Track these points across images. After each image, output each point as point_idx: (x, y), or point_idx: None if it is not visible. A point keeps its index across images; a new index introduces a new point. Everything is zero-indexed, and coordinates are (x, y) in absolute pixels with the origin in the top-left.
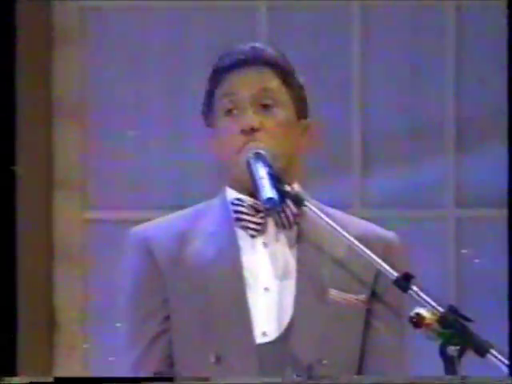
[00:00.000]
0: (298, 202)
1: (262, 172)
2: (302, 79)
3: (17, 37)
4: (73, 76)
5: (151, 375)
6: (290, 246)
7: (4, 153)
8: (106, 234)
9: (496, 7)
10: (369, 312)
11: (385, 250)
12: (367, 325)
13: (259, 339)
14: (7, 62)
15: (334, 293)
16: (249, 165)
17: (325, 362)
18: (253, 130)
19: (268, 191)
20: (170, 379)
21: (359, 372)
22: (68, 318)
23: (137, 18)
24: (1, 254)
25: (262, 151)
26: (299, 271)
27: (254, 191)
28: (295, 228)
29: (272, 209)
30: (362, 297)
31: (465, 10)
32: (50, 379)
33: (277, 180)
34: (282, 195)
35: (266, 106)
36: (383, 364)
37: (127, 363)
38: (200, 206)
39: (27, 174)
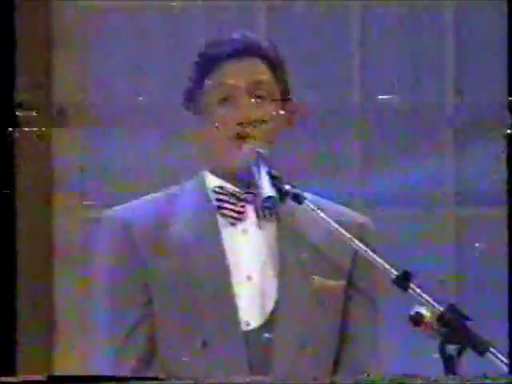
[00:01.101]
0: (299, 200)
1: (262, 171)
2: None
3: (16, 37)
4: (72, 76)
5: (134, 362)
6: (272, 234)
7: (3, 152)
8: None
9: (496, 7)
10: (346, 298)
11: (360, 233)
12: (344, 310)
13: (243, 327)
14: (7, 63)
15: (315, 279)
16: (249, 163)
17: (309, 349)
18: (248, 122)
19: (268, 190)
20: (156, 379)
21: (336, 359)
22: (68, 317)
23: (137, 19)
24: (1, 253)
25: (261, 150)
26: (281, 258)
27: (254, 189)
28: (276, 216)
29: (271, 207)
30: (342, 282)
31: (464, 10)
32: (42, 378)
33: (277, 178)
34: (282, 193)
35: (259, 98)
36: (358, 352)
37: (109, 350)
38: (174, 188)
39: (27, 174)
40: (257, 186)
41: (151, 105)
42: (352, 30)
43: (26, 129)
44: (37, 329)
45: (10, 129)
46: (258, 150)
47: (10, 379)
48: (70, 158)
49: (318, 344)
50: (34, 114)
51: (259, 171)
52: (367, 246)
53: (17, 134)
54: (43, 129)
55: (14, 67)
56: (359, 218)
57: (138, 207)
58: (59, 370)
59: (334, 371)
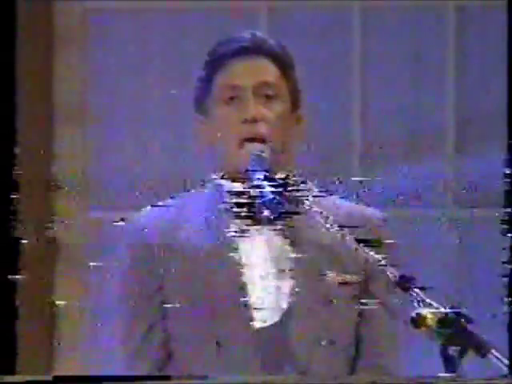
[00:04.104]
0: (298, 202)
1: (262, 173)
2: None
3: (18, 38)
4: (73, 77)
5: (149, 364)
6: (284, 232)
7: (5, 154)
8: (107, 235)
9: (496, 7)
10: (363, 293)
11: (372, 230)
12: (362, 305)
13: (258, 325)
14: (8, 63)
15: (329, 275)
16: (249, 165)
17: (324, 343)
18: (254, 121)
19: (268, 192)
20: (167, 377)
21: (356, 353)
22: (68, 318)
23: (137, 20)
24: (1, 254)
25: (262, 153)
26: (294, 256)
27: (254, 191)
28: (288, 215)
29: (273, 210)
30: (357, 277)
31: (465, 10)
32: (49, 378)
33: (277, 181)
34: (282, 196)
35: (266, 98)
36: (378, 345)
37: (124, 354)
38: (190, 193)
39: (28, 176)
40: (257, 188)
41: (152, 106)
42: (352, 31)
43: (27, 129)
44: (38, 329)
45: (11, 129)
46: (258, 152)
47: (14, 378)
48: (70, 159)
49: (334, 340)
50: (35, 114)
51: (260, 173)
52: (381, 243)
53: (17, 135)
54: (44, 129)
55: (15, 68)
56: (371, 213)
57: (154, 212)
58: (59, 371)
59: (354, 366)
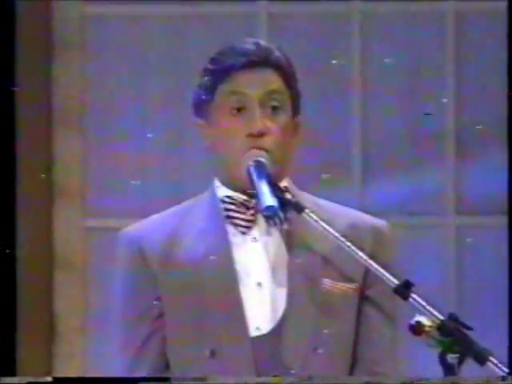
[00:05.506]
0: (298, 209)
1: (262, 180)
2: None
3: (17, 43)
4: (73, 83)
5: (148, 374)
6: (281, 240)
7: (4, 160)
8: (107, 242)
9: (496, 9)
10: (361, 300)
11: (375, 239)
12: (360, 313)
13: (253, 333)
14: (7, 68)
15: (325, 282)
16: (249, 172)
17: (320, 351)
18: (260, 135)
19: (268, 199)
20: (167, 379)
21: (353, 361)
22: (68, 326)
23: (137, 25)
24: (1, 261)
25: (262, 159)
26: (291, 264)
27: (255, 197)
28: (286, 223)
29: (272, 216)
30: (354, 285)
31: (465, 13)
32: (49, 379)
33: (277, 188)
34: (282, 203)
35: (272, 109)
36: (376, 352)
37: (122, 364)
38: (189, 201)
39: (27, 182)
40: (257, 195)
41: (151, 112)
42: (352, 35)
43: (27, 135)
44: (37, 337)
45: (10, 135)
46: (258, 158)
47: (13, 380)
48: (70, 166)
49: (330, 347)
50: (34, 120)
51: (260, 180)
52: (383, 251)
53: (17, 141)
54: (43, 135)
55: (15, 73)
56: (374, 222)
57: (152, 223)
58: (59, 372)
59: (351, 372)
